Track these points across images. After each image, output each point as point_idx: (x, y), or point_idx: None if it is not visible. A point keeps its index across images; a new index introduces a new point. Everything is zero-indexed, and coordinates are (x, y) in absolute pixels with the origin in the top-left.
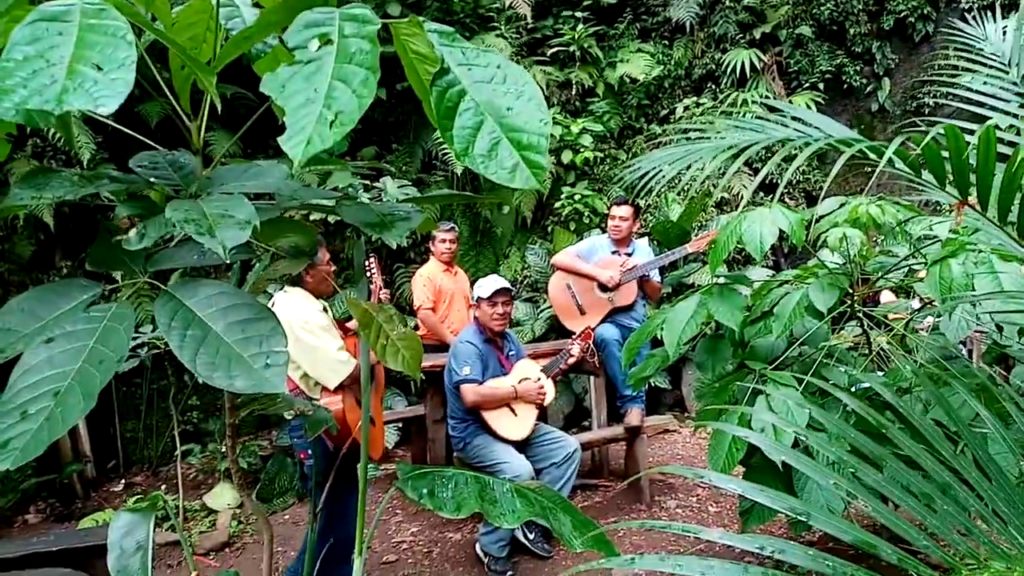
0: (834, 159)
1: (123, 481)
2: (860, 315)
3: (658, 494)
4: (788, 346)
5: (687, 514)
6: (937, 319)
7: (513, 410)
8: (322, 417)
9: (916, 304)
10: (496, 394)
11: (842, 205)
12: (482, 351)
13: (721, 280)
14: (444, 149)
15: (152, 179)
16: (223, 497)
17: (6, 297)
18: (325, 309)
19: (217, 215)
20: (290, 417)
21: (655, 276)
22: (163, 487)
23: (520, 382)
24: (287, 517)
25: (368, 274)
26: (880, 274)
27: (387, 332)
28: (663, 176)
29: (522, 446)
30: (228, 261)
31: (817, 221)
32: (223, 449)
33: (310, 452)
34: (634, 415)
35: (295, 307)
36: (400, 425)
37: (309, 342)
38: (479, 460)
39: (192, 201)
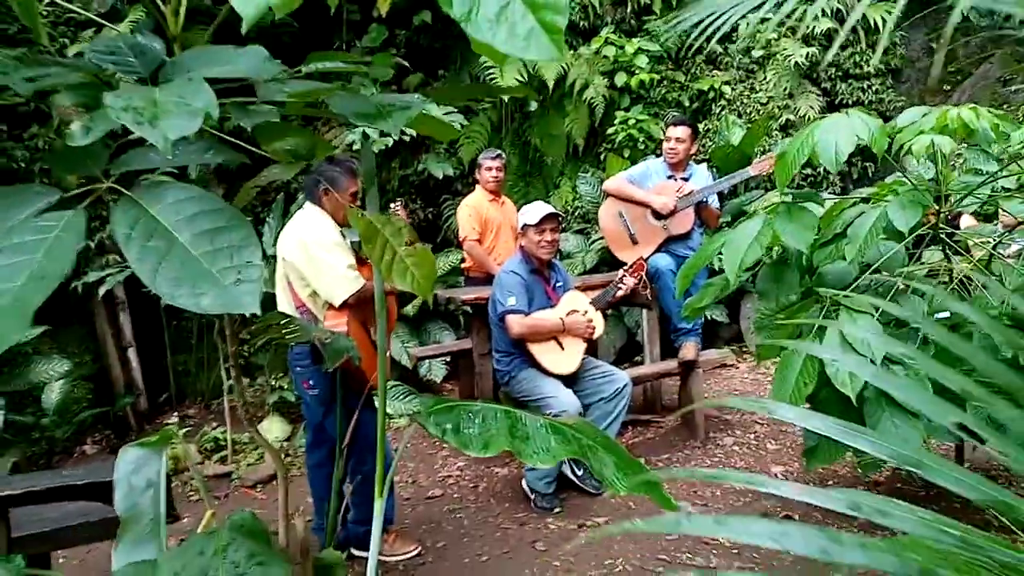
0: (909, 80)
1: (176, 414)
2: (943, 237)
3: (713, 430)
4: (860, 273)
5: (744, 452)
6: None
7: (560, 344)
8: (343, 346)
9: (1001, 227)
10: (542, 326)
11: (925, 115)
12: (527, 281)
13: (789, 198)
14: (492, 74)
15: (108, 65)
16: (271, 430)
17: None
18: (342, 233)
19: (169, 103)
20: (292, 344)
21: (714, 202)
22: (214, 420)
23: (568, 315)
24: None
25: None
26: (967, 192)
27: (394, 247)
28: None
29: (570, 381)
30: (170, 157)
31: (899, 132)
32: (271, 381)
33: (311, 382)
34: (689, 349)
35: (310, 223)
36: (448, 359)
37: (319, 256)
38: (525, 395)
39: (142, 87)
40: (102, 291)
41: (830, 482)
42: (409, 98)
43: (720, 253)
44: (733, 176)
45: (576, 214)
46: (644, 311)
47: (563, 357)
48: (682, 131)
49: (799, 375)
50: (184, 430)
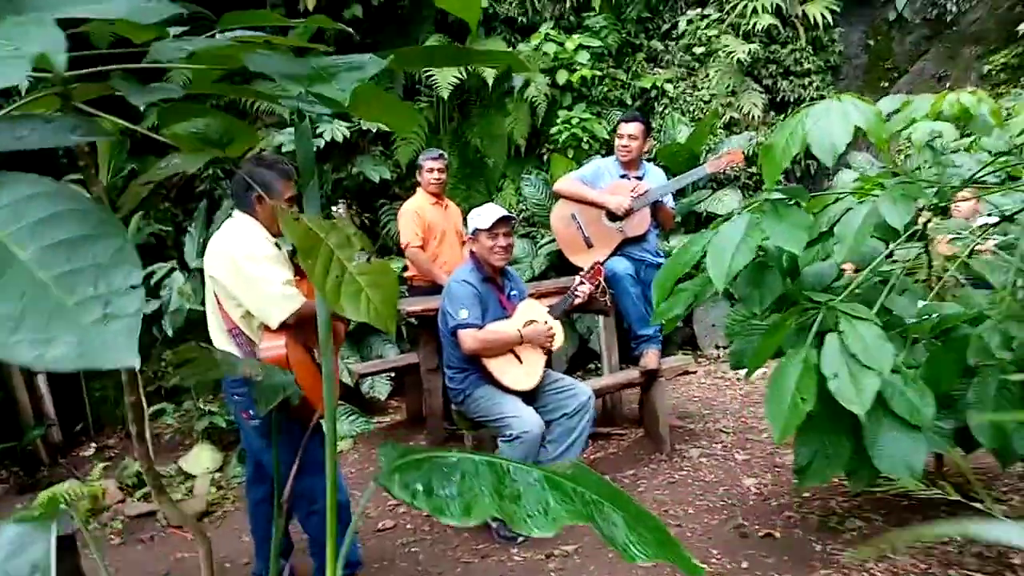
0: (848, 76)
1: (93, 445)
2: (927, 233)
3: (678, 442)
4: (839, 274)
5: (713, 464)
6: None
7: (519, 357)
8: (277, 383)
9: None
10: (499, 339)
11: (906, 103)
12: (480, 291)
13: (775, 196)
14: (429, 72)
15: None
16: (201, 460)
17: None
18: (278, 245)
19: None
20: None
21: (669, 202)
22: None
23: (525, 325)
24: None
25: (336, 216)
26: (964, 183)
27: (342, 262)
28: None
29: (529, 397)
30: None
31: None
32: (200, 405)
33: (252, 411)
34: (651, 357)
35: (239, 235)
36: (392, 375)
37: (250, 272)
38: (482, 415)
39: None
40: None
41: (805, 494)
42: (359, 58)
43: (702, 256)
44: (690, 174)
45: (521, 217)
46: (600, 317)
47: (522, 372)
48: (635, 127)
49: (796, 391)
50: (102, 464)
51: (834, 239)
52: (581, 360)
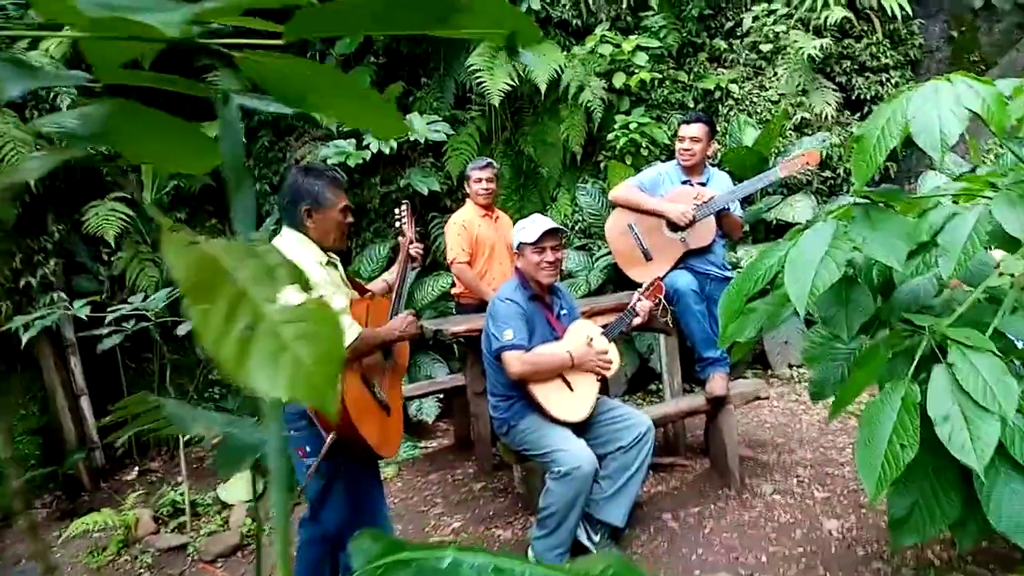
0: (928, 71)
1: (136, 468)
2: None
3: (749, 475)
4: (939, 290)
5: (788, 502)
6: None
7: (569, 383)
8: (243, 445)
9: None
10: (547, 363)
11: (1018, 89)
12: (526, 310)
13: (861, 200)
14: (479, 79)
15: None
16: (238, 489)
17: None
18: (332, 263)
19: None
20: (286, 400)
21: (736, 210)
22: (180, 473)
23: (577, 348)
24: None
25: (399, 223)
26: None
27: (255, 306)
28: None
29: (581, 428)
30: None
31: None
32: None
33: (308, 449)
34: (718, 382)
35: (286, 255)
36: (441, 396)
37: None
38: (527, 447)
39: None
40: (26, 337)
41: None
42: None
43: (780, 272)
44: (760, 178)
45: (577, 228)
46: (661, 336)
47: (573, 400)
48: (697, 129)
49: (894, 435)
50: (135, 494)
51: (939, 250)
52: (641, 381)
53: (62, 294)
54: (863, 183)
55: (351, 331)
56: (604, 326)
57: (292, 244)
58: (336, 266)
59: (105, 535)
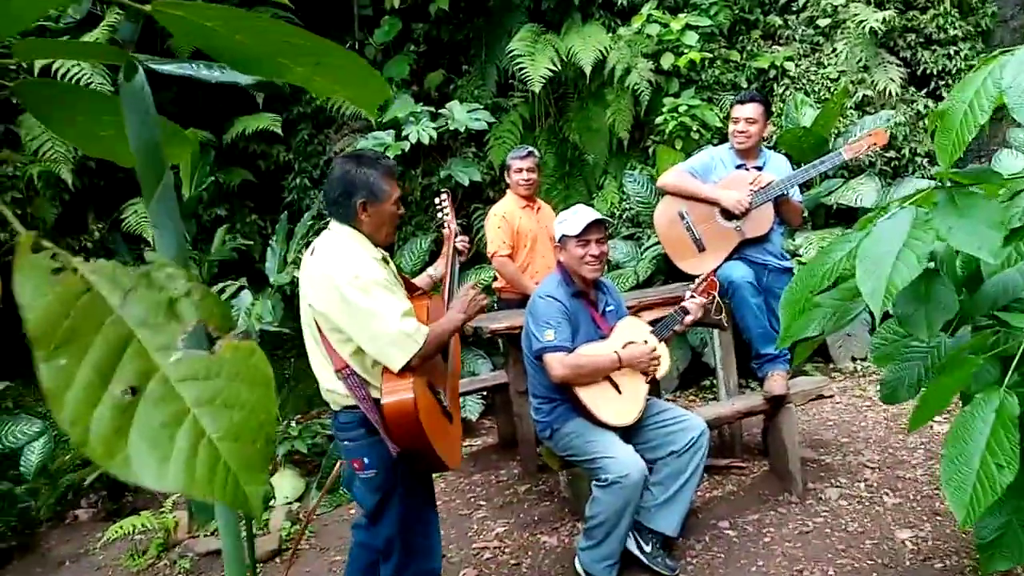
0: (1002, 42)
1: None
2: None
3: (812, 479)
4: None
5: (855, 508)
6: None
7: (616, 385)
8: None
9: None
10: (593, 364)
11: None
12: (569, 308)
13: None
14: (521, 65)
15: None
16: (282, 489)
17: None
18: (385, 260)
19: None
20: (337, 409)
21: (795, 195)
22: None
23: (624, 347)
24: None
25: (440, 214)
26: None
27: (143, 361)
28: None
29: (630, 430)
30: None
31: None
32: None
33: (366, 461)
34: (777, 381)
35: (343, 255)
36: (484, 393)
37: (362, 305)
38: (572, 453)
39: None
40: None
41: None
42: None
43: (849, 265)
44: (822, 161)
45: (624, 217)
46: (716, 331)
47: (621, 403)
48: (752, 109)
49: (987, 453)
50: (176, 494)
51: None
52: (693, 376)
53: None
54: (949, 164)
55: (420, 335)
56: (653, 323)
57: (347, 242)
58: (388, 263)
59: (146, 537)
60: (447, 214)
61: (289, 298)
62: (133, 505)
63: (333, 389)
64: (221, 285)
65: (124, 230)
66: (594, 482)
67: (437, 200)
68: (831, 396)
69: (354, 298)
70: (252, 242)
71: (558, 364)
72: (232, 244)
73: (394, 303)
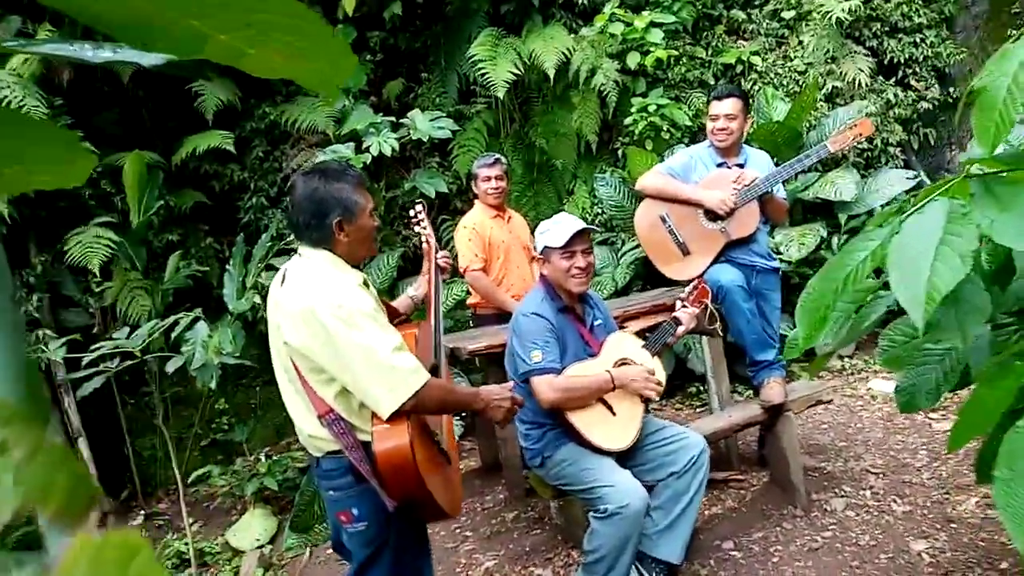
0: (965, 28)
1: (142, 512)
2: None
3: (816, 489)
4: None
5: (865, 519)
6: None
7: (610, 407)
8: None
9: None
10: (585, 386)
11: None
12: (555, 325)
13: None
14: (482, 70)
15: None
16: (252, 530)
17: None
18: (366, 283)
19: None
20: (319, 455)
21: (780, 192)
22: (190, 515)
23: (616, 365)
24: (329, 553)
25: (417, 228)
26: None
27: None
28: None
29: (626, 452)
30: None
31: None
32: (255, 465)
33: (355, 512)
34: (775, 389)
35: (320, 283)
36: (464, 414)
37: (347, 339)
38: (566, 482)
39: None
40: None
41: (1003, 564)
42: None
43: (880, 264)
44: (807, 155)
45: (597, 222)
46: (702, 336)
47: (616, 426)
48: (731, 104)
49: None
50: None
51: None
52: (679, 382)
53: (49, 332)
54: (992, 147)
55: (419, 375)
56: (643, 334)
57: (323, 267)
58: (369, 287)
59: None
60: (424, 227)
61: (251, 324)
62: None
63: (315, 434)
64: (174, 317)
65: (68, 262)
66: (592, 513)
67: (412, 212)
68: (830, 401)
69: (337, 332)
70: (208, 268)
71: (548, 387)
72: (187, 271)
73: (384, 337)
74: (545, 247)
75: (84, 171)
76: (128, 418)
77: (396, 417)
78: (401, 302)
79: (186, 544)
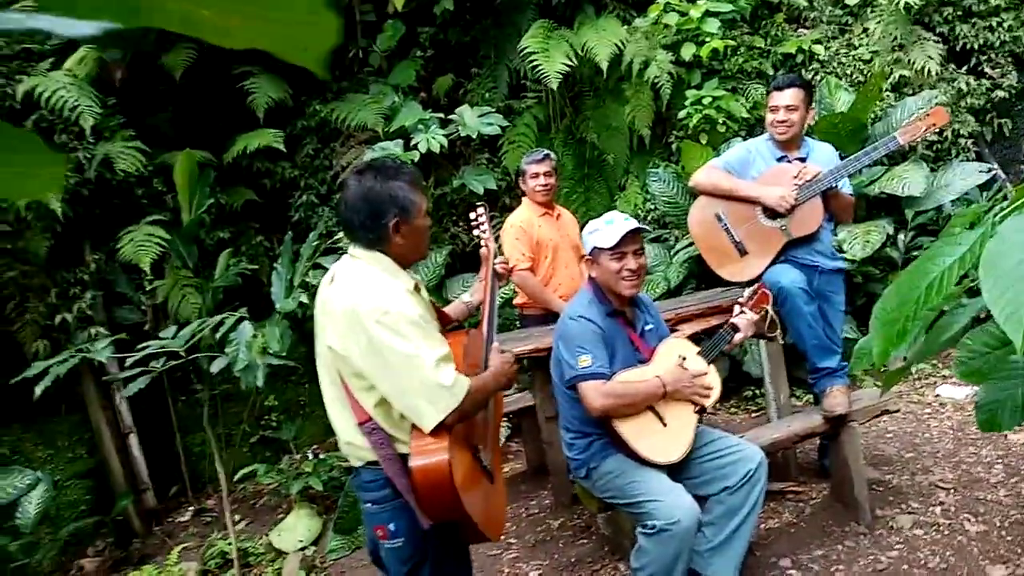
0: None
1: (191, 508)
2: None
3: (881, 504)
4: None
5: (935, 538)
6: None
7: (660, 416)
8: None
9: None
10: (635, 393)
11: None
12: (604, 329)
13: None
14: (535, 63)
15: None
16: (295, 530)
17: (23, 304)
18: (418, 288)
19: None
20: (358, 464)
21: (845, 187)
22: (238, 513)
23: (668, 372)
24: None
25: (477, 232)
26: None
27: None
28: None
29: (678, 464)
30: None
31: None
32: (301, 465)
33: (392, 528)
34: (838, 398)
35: (369, 286)
36: (510, 416)
37: (391, 347)
38: (613, 494)
39: None
40: (40, 388)
41: None
42: None
43: (972, 271)
44: (875, 147)
45: (650, 219)
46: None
47: (667, 437)
48: (792, 95)
49: None
50: (180, 547)
51: None
52: (734, 386)
53: (102, 329)
54: None
55: (460, 388)
56: (697, 338)
57: (373, 270)
58: (421, 290)
59: None
60: (484, 231)
61: (299, 322)
62: (142, 551)
63: (353, 442)
64: (218, 317)
65: (120, 259)
66: (639, 528)
67: (472, 215)
68: (897, 410)
69: (381, 338)
70: (258, 266)
71: (596, 394)
72: (237, 268)
73: (430, 347)
74: (594, 248)
75: (55, 179)
76: (179, 415)
77: (438, 431)
78: (455, 308)
79: (229, 544)
